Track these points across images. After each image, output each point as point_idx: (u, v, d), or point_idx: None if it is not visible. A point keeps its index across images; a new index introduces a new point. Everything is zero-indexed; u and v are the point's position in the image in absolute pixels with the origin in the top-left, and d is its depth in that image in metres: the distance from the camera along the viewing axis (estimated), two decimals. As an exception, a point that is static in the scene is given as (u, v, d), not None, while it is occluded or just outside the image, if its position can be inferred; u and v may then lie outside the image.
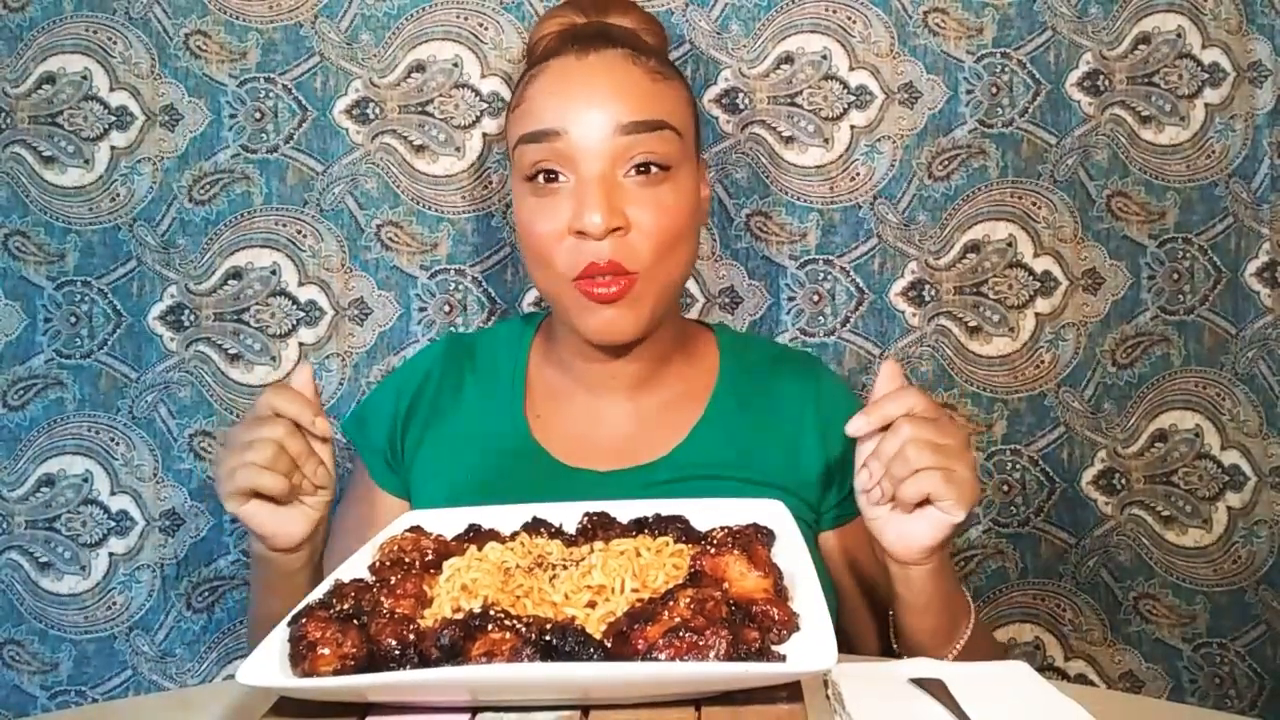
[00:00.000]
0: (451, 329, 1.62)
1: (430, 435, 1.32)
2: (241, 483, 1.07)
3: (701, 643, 0.77)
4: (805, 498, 1.26)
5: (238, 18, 1.61)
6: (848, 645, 1.47)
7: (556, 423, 1.30)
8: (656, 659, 0.77)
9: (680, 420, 1.28)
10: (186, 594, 1.61)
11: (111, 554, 1.61)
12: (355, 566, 1.00)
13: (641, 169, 1.17)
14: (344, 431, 1.41)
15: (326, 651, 0.82)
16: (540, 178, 1.18)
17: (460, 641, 0.81)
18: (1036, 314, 1.61)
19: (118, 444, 1.61)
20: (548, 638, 0.80)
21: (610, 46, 1.21)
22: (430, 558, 0.98)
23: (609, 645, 0.80)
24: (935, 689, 0.91)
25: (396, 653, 0.83)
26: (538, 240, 1.19)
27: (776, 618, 0.82)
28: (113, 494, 1.61)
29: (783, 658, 0.80)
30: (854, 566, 1.28)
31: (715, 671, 0.77)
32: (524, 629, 0.81)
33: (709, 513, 1.03)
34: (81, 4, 1.60)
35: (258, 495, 1.08)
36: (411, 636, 0.84)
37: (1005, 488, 1.61)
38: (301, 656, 0.83)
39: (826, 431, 1.28)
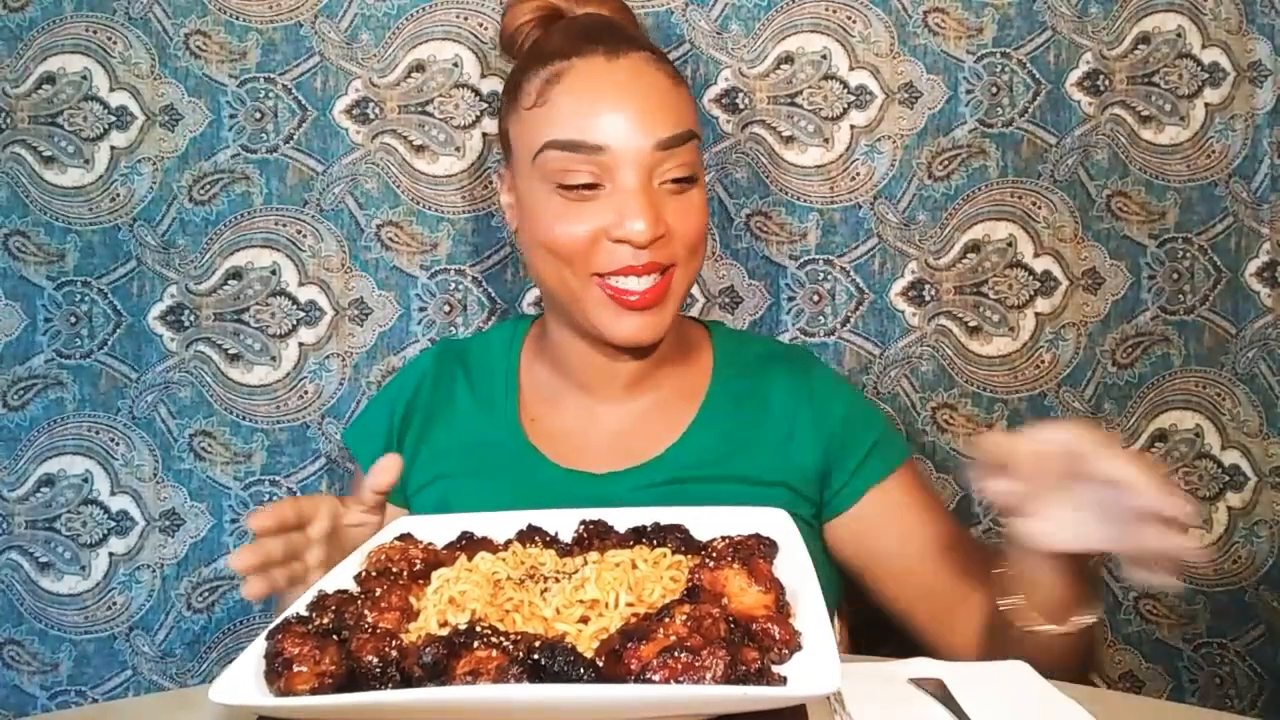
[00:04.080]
0: (451, 329, 1.54)
1: (427, 441, 1.26)
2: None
3: (698, 663, 0.69)
4: (804, 492, 1.19)
5: (238, 18, 1.53)
6: (849, 639, 1.40)
7: (551, 425, 1.24)
8: (650, 680, 0.69)
9: (675, 419, 1.22)
10: (186, 594, 1.54)
11: (111, 554, 1.54)
12: (341, 576, 0.92)
13: (675, 180, 1.14)
14: (344, 440, 1.34)
15: (303, 669, 0.75)
16: (577, 187, 1.13)
17: (444, 659, 0.74)
18: (1036, 314, 1.54)
19: (118, 444, 1.54)
20: (536, 657, 0.72)
21: (633, 48, 1.16)
22: (419, 567, 0.90)
23: (600, 664, 0.72)
24: (935, 689, 0.86)
25: (377, 671, 0.75)
26: (564, 242, 1.13)
27: (777, 636, 0.75)
28: (113, 494, 1.54)
29: (783, 679, 0.72)
30: (868, 548, 1.21)
31: (711, 695, 0.69)
32: (511, 647, 0.73)
33: (709, 521, 0.95)
34: (81, 4, 1.53)
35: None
36: (393, 653, 0.76)
37: (1005, 488, 1.53)
38: (277, 674, 0.75)
39: (820, 422, 1.21)
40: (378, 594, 0.84)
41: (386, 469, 1.02)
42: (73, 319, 1.53)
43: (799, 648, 0.75)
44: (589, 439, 1.22)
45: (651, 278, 1.13)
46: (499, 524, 1.00)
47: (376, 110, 1.54)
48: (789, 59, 1.54)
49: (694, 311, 1.55)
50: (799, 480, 1.19)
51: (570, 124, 1.12)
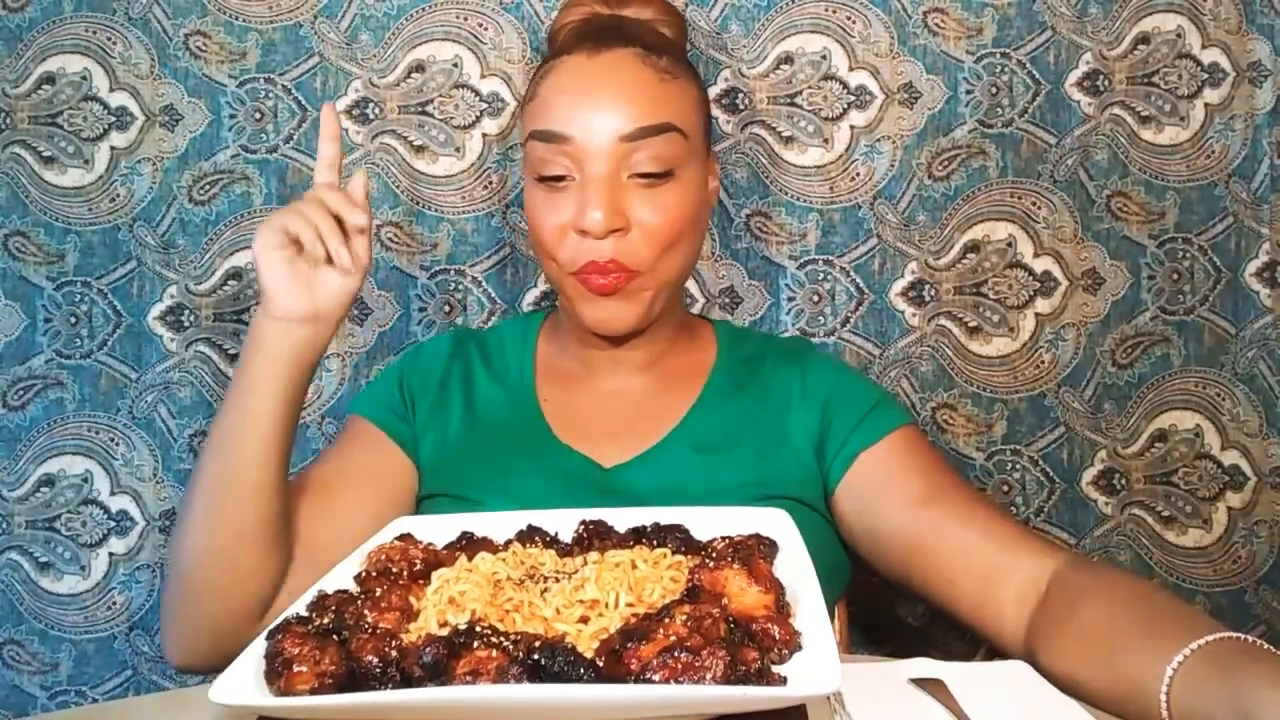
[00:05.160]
0: (452, 329, 1.54)
1: (442, 412, 1.25)
2: (273, 224, 1.04)
3: (698, 663, 0.69)
4: (805, 469, 1.18)
5: (237, 18, 1.53)
6: (849, 638, 1.40)
7: (564, 407, 1.25)
8: (650, 680, 0.69)
9: (676, 404, 1.23)
10: (186, 594, 1.53)
11: (111, 554, 1.54)
12: (341, 576, 0.92)
13: (645, 175, 1.15)
14: (351, 408, 1.29)
15: (303, 669, 0.75)
16: (550, 179, 1.16)
17: (444, 659, 0.73)
18: (1036, 314, 1.53)
19: (118, 444, 1.54)
20: (536, 657, 0.72)
21: (623, 45, 1.18)
22: (419, 567, 0.90)
23: (600, 664, 0.72)
24: (935, 689, 0.86)
25: (377, 671, 0.75)
26: (544, 233, 1.17)
27: (777, 636, 0.74)
28: (113, 494, 1.54)
29: (783, 679, 0.71)
30: (869, 518, 1.15)
31: (711, 695, 0.69)
32: (511, 647, 0.73)
33: (709, 521, 0.95)
34: (81, 4, 1.53)
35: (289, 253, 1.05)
36: (393, 654, 0.76)
37: (1005, 488, 1.53)
38: (277, 674, 0.75)
39: (812, 394, 1.22)
40: (378, 594, 0.84)
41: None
42: (73, 319, 1.53)
43: (799, 648, 0.75)
44: (597, 423, 1.23)
45: (618, 277, 1.15)
46: (499, 524, 1.00)
47: (376, 110, 1.54)
48: (789, 59, 1.53)
49: (694, 311, 1.54)
50: (796, 457, 1.19)
51: (545, 116, 1.16)
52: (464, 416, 1.25)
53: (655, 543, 0.92)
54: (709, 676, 0.69)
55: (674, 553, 0.89)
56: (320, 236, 1.04)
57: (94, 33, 1.53)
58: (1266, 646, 0.83)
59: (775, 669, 0.73)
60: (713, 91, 1.53)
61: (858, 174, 1.53)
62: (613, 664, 0.72)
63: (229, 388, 1.08)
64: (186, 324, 1.54)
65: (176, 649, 1.10)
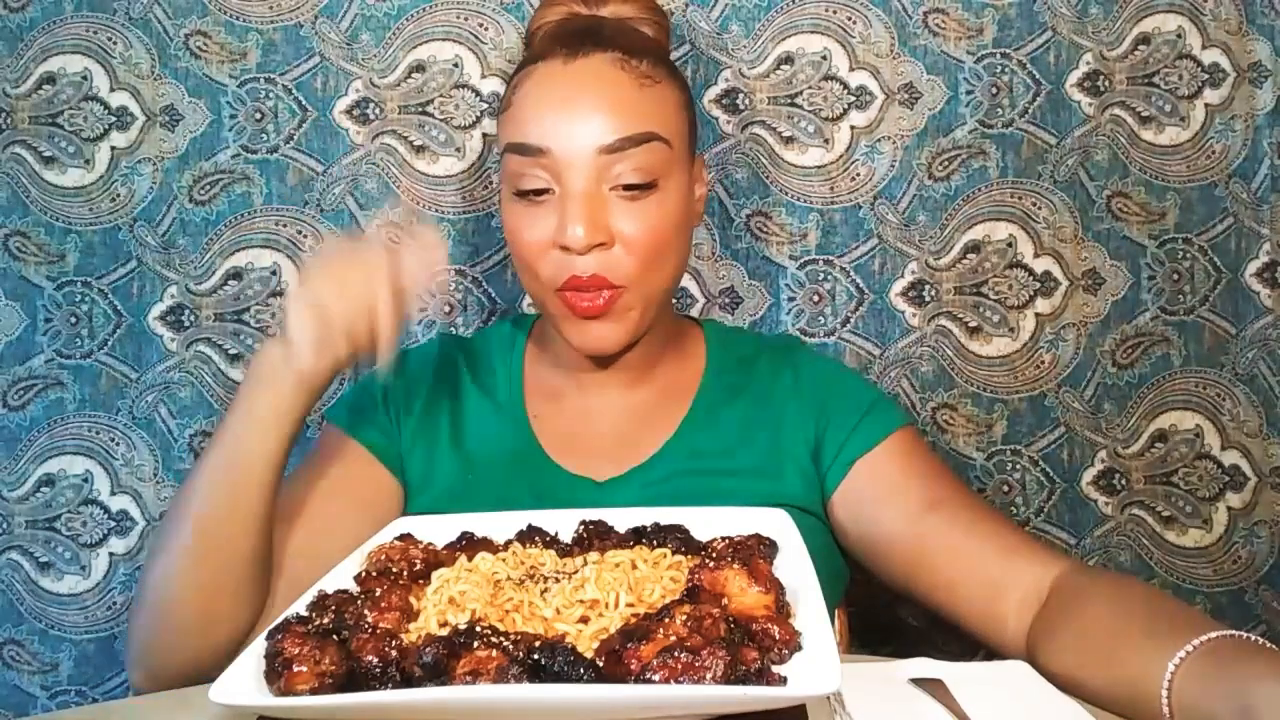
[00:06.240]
0: (451, 330, 1.54)
1: (429, 431, 1.22)
2: (315, 283, 0.99)
3: (698, 663, 0.69)
4: (804, 475, 1.17)
5: (238, 18, 1.53)
6: (849, 639, 1.40)
7: (554, 423, 1.22)
8: (650, 680, 0.69)
9: (669, 415, 1.21)
10: (186, 594, 1.53)
11: (111, 554, 1.54)
12: (341, 576, 0.92)
13: (627, 186, 1.10)
14: (329, 418, 1.25)
15: (303, 669, 0.75)
16: (529, 193, 1.12)
17: (444, 659, 0.74)
18: (1036, 314, 1.53)
19: (118, 444, 1.54)
20: (536, 657, 0.72)
21: (599, 49, 1.13)
22: (419, 567, 0.90)
23: (600, 664, 0.72)
24: (935, 689, 0.86)
25: (377, 671, 0.75)
26: (523, 249, 1.13)
27: (777, 636, 0.74)
28: (113, 494, 1.54)
29: (783, 679, 0.71)
30: (865, 526, 1.14)
31: (711, 695, 0.69)
32: (511, 647, 0.73)
33: (710, 522, 0.95)
34: (81, 4, 1.53)
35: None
36: (393, 654, 0.76)
37: (1005, 488, 1.53)
38: (277, 674, 0.75)
39: (806, 399, 1.20)
40: (378, 594, 0.84)
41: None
42: (73, 319, 1.53)
43: (799, 648, 0.75)
44: (589, 439, 1.21)
45: (600, 294, 1.11)
46: (499, 524, 1.00)
47: (376, 110, 1.54)
48: (789, 59, 1.53)
49: (694, 311, 1.55)
50: (794, 464, 1.17)
51: (521, 127, 1.11)
52: (452, 434, 1.22)
53: (655, 543, 0.92)
54: (709, 676, 0.69)
55: (674, 553, 0.89)
56: (357, 320, 0.99)
57: (94, 33, 1.53)
58: (1268, 644, 0.83)
59: (775, 669, 0.73)
60: (713, 91, 1.54)
61: (858, 174, 1.53)
62: (613, 664, 0.72)
63: (229, 414, 1.01)
64: (187, 324, 1.54)
65: (143, 676, 1.02)
